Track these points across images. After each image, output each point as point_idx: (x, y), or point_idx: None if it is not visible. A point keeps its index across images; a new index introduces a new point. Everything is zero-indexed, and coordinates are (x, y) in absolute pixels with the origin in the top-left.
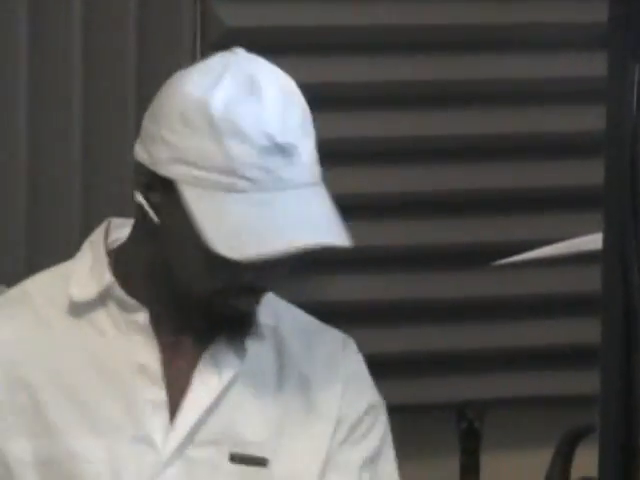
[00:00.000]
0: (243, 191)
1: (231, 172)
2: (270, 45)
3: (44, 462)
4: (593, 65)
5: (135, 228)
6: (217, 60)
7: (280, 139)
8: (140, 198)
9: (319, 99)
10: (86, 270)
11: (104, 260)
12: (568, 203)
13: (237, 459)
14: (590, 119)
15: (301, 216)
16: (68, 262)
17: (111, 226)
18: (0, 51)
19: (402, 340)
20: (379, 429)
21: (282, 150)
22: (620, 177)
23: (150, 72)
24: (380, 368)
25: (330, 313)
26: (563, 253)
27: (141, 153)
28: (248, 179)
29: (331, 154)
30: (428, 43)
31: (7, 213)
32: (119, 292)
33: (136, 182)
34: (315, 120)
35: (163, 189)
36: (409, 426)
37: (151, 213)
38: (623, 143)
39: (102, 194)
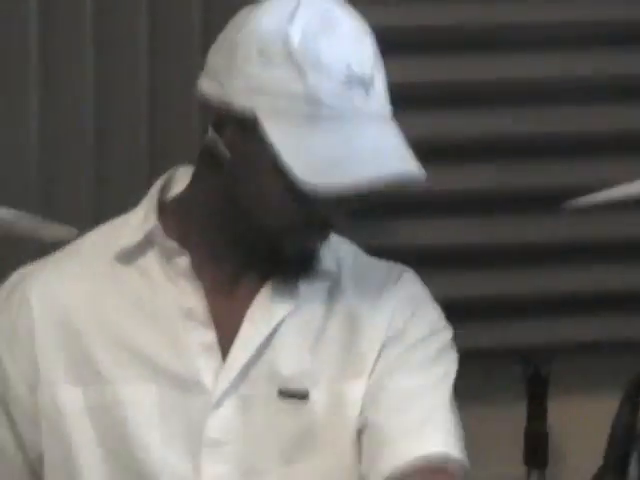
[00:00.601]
0: (325, 120)
1: (312, 101)
2: None
3: (94, 408)
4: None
5: (198, 170)
6: None
7: (358, 70)
8: (212, 134)
9: None
10: (138, 220)
11: (154, 207)
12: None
13: (284, 394)
14: None
15: (382, 147)
16: (127, 213)
17: (177, 175)
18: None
19: (468, 285)
20: (446, 359)
21: (361, 80)
22: None
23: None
24: (445, 313)
25: (395, 257)
26: (636, 194)
27: (212, 87)
28: (329, 107)
29: None
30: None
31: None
32: (161, 235)
33: (205, 118)
34: None
35: (237, 122)
36: (476, 371)
37: (222, 148)
38: None
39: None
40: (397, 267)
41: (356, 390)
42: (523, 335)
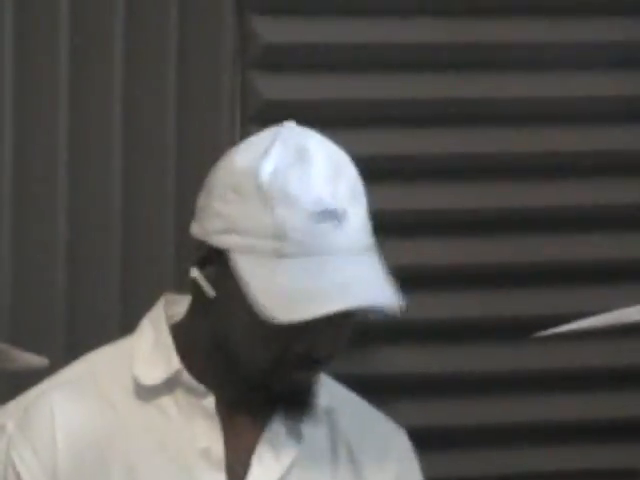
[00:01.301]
0: (292, 256)
1: (280, 237)
2: (310, 118)
3: None
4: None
5: (192, 305)
6: (267, 132)
7: (329, 204)
8: (195, 273)
9: (364, 172)
10: (149, 349)
11: (168, 340)
12: (609, 275)
13: None
14: (628, 188)
15: (349, 278)
16: (126, 339)
17: (167, 302)
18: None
19: (441, 413)
20: None
21: (331, 215)
22: None
23: (189, 147)
24: (419, 441)
25: (368, 385)
26: (606, 324)
27: (196, 228)
28: (297, 243)
29: (384, 226)
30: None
31: (47, 291)
32: (187, 378)
33: (194, 258)
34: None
35: (218, 261)
36: None
37: (206, 287)
38: None
39: (141, 274)
40: (390, 423)
41: None
42: (495, 464)
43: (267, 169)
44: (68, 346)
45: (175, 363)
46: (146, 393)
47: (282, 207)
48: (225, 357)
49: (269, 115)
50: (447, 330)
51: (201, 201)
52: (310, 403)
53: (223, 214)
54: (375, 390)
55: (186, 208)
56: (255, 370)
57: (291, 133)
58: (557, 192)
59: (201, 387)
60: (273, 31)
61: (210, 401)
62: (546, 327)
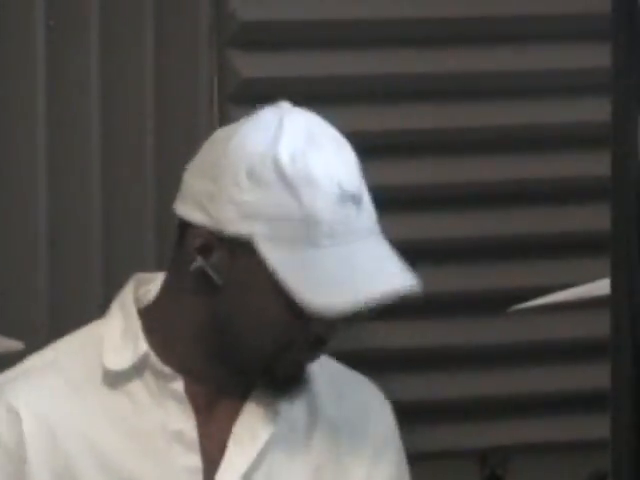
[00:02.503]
0: (322, 240)
1: (309, 221)
2: (288, 95)
3: None
4: (601, 110)
5: (171, 286)
6: (269, 115)
7: (348, 186)
8: (199, 261)
9: None
10: (117, 334)
11: (136, 324)
12: (581, 249)
13: None
14: (602, 163)
15: (379, 264)
16: (96, 324)
17: (141, 281)
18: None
19: (422, 387)
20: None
21: (352, 197)
22: (627, 223)
23: (168, 126)
24: (401, 415)
25: (351, 360)
26: (580, 298)
27: (197, 216)
28: (327, 226)
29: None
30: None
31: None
32: (155, 361)
33: (187, 245)
34: None
35: (229, 248)
36: (432, 473)
37: (213, 273)
38: (630, 189)
39: (122, 257)
40: (368, 384)
41: None
42: (478, 436)
43: (285, 154)
44: (50, 330)
45: (142, 347)
46: (115, 379)
47: (308, 193)
48: (218, 343)
49: (247, 93)
50: (422, 305)
51: (199, 186)
52: (303, 383)
53: (242, 201)
54: (359, 365)
55: (166, 187)
56: (262, 355)
57: (293, 115)
58: (532, 164)
59: (168, 370)
60: (249, 8)
61: (179, 384)
62: (520, 301)
